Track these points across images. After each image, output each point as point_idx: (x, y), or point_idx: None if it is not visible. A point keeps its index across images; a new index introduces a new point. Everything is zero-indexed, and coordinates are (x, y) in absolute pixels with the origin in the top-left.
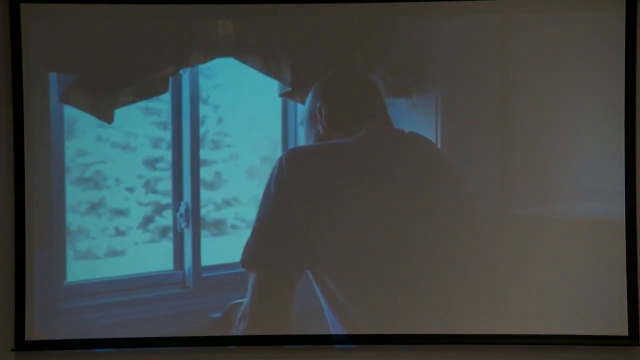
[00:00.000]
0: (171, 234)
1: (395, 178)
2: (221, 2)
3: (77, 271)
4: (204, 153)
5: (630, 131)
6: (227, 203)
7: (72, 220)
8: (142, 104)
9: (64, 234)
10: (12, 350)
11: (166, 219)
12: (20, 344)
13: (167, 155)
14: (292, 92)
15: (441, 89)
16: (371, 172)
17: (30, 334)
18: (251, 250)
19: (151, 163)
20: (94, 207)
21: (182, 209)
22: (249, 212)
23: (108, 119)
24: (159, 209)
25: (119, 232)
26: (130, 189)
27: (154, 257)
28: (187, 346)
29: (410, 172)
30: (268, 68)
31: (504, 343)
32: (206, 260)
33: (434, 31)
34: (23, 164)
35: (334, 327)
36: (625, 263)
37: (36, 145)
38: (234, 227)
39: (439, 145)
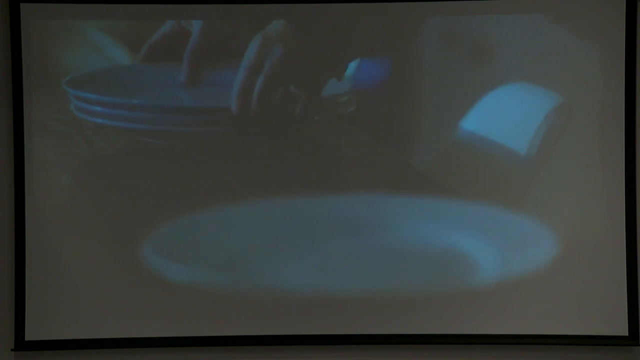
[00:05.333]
0: None
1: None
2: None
3: None
4: None
5: (631, 134)
6: None
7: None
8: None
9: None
10: (12, 350)
11: None
12: (20, 344)
13: None
14: None
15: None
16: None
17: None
18: None
19: None
20: None
21: None
22: None
23: None
24: None
25: None
26: None
27: None
28: (187, 346)
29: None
30: None
31: (504, 343)
32: None
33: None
34: (23, 164)
35: None
36: (625, 263)
37: (36, 145)
38: None
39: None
